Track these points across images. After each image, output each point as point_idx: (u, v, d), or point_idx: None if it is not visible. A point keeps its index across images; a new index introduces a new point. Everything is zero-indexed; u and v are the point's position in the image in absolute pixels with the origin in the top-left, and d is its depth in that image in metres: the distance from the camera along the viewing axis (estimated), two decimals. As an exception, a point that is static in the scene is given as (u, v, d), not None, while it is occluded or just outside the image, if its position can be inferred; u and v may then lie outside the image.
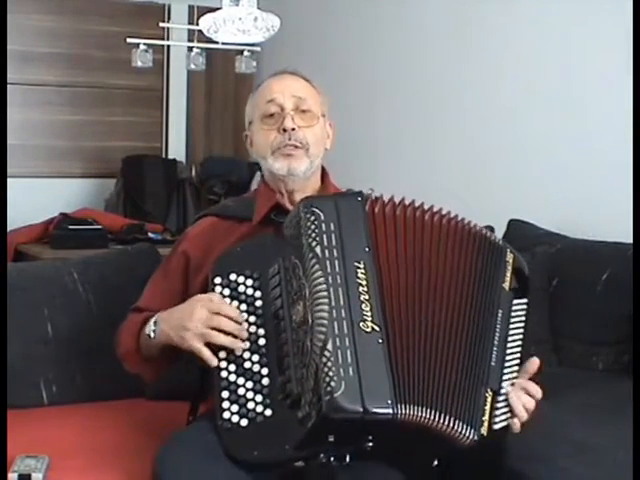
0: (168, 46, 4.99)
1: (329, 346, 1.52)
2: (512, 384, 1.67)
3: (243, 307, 1.71)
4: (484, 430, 1.60)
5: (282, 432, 1.58)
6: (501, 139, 3.58)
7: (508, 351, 1.69)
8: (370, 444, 1.55)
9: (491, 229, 2.39)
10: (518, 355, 1.71)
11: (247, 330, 1.68)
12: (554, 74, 3.34)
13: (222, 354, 1.67)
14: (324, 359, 1.52)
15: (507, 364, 1.68)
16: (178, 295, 1.90)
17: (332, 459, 1.57)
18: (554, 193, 3.33)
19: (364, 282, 1.60)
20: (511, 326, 1.71)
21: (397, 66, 4.10)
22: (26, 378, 2.21)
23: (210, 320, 1.67)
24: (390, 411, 1.51)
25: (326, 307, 1.56)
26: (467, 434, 1.58)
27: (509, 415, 1.65)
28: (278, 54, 4.64)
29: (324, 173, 2.01)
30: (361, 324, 1.56)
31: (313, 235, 1.63)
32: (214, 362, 1.66)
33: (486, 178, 3.61)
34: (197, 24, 3.66)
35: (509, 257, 1.77)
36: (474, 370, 1.63)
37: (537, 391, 1.71)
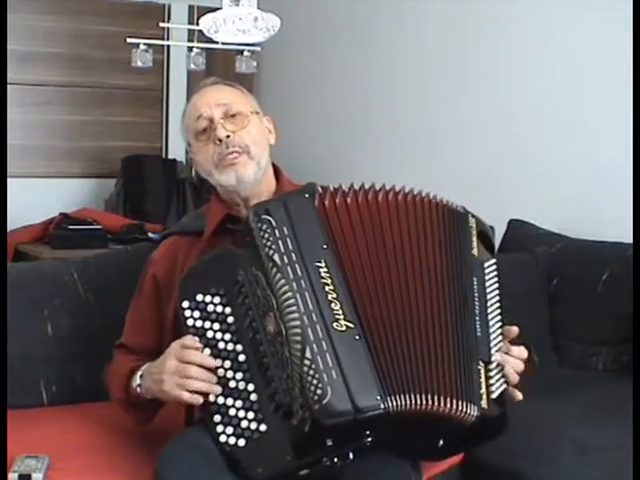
0: (168, 46, 4.98)
1: (307, 354, 1.51)
2: (498, 349, 1.66)
3: (216, 326, 1.67)
4: (484, 403, 1.59)
5: (281, 444, 1.56)
6: (501, 139, 3.57)
7: (490, 317, 1.67)
8: (369, 439, 1.54)
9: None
10: (499, 318, 1.69)
11: (225, 348, 1.65)
12: (554, 74, 3.34)
13: None
14: (305, 368, 1.50)
15: (491, 330, 1.66)
16: (153, 323, 1.91)
17: (335, 460, 1.56)
18: (554, 193, 3.33)
19: (329, 281, 1.57)
20: (487, 290, 1.70)
21: (397, 65, 4.10)
22: (26, 378, 2.21)
23: (181, 370, 1.64)
24: (381, 405, 1.50)
25: (296, 315, 1.54)
26: (468, 411, 1.56)
27: (503, 381, 1.65)
28: (278, 54, 4.64)
29: (278, 171, 1.97)
30: (334, 324, 1.54)
31: (269, 244, 1.60)
32: (196, 400, 1.63)
33: (486, 178, 3.61)
34: (197, 24, 3.65)
35: (472, 222, 1.74)
36: (462, 345, 1.61)
37: (521, 352, 1.70)
